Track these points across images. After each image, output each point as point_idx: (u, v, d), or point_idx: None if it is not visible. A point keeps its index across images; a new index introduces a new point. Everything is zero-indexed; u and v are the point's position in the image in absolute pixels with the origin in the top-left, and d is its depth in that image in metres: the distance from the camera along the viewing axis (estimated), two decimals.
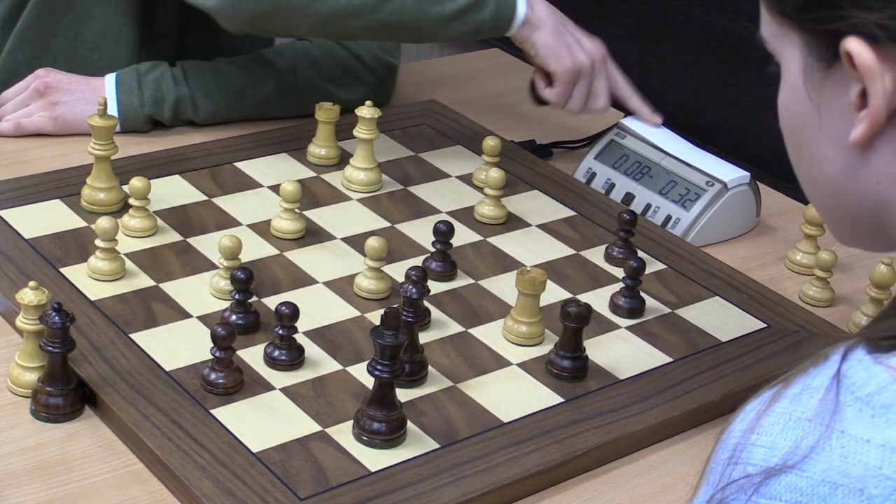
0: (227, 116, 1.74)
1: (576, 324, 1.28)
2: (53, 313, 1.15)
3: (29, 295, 1.17)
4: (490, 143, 1.63)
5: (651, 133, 1.70)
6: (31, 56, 1.74)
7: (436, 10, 1.61)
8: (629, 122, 1.72)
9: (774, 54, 0.90)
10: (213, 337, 1.19)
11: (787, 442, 0.74)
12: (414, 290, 1.24)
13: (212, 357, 1.21)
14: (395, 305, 1.21)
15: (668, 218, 1.62)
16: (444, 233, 1.42)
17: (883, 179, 0.84)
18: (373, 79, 1.82)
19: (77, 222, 1.46)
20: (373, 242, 1.37)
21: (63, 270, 1.36)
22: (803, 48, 0.85)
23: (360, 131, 1.59)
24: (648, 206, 1.64)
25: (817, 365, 0.77)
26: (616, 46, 2.06)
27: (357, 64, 1.81)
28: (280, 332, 1.25)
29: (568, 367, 1.29)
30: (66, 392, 1.18)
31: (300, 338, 1.28)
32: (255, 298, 1.32)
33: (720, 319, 1.42)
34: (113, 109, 1.64)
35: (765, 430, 0.75)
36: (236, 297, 1.28)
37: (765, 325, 1.42)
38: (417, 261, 1.45)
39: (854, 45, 0.79)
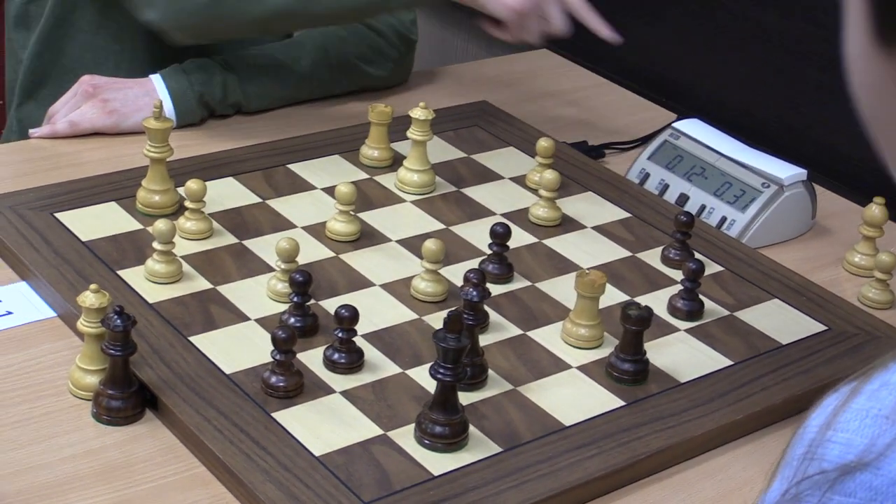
0: (271, 97, 1.79)
1: (637, 326, 1.27)
2: (115, 316, 1.15)
3: (90, 298, 1.17)
4: (543, 144, 1.62)
5: (705, 134, 1.69)
6: (57, 54, 1.77)
7: None
8: (682, 125, 1.71)
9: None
10: (274, 340, 1.19)
11: (863, 439, 0.73)
12: (475, 293, 1.24)
13: (272, 360, 1.20)
14: (457, 308, 1.20)
15: (724, 219, 1.61)
16: (501, 235, 1.42)
17: None
18: (396, 54, 1.88)
19: (133, 225, 1.46)
20: (430, 245, 1.36)
21: (120, 273, 1.36)
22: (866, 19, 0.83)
23: (413, 133, 1.59)
24: (703, 208, 1.63)
25: (883, 370, 0.75)
26: (670, 43, 2.07)
27: (380, 40, 1.87)
28: (340, 334, 1.25)
29: (629, 370, 1.28)
30: (127, 395, 1.18)
31: (359, 341, 1.27)
32: (312, 301, 1.32)
33: (779, 322, 1.41)
34: (166, 99, 1.66)
35: (841, 427, 0.74)
36: (294, 299, 1.28)
37: (825, 328, 1.41)
38: (473, 263, 1.44)
39: None
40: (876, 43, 0.81)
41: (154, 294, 1.33)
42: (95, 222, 1.45)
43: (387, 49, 1.87)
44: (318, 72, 1.81)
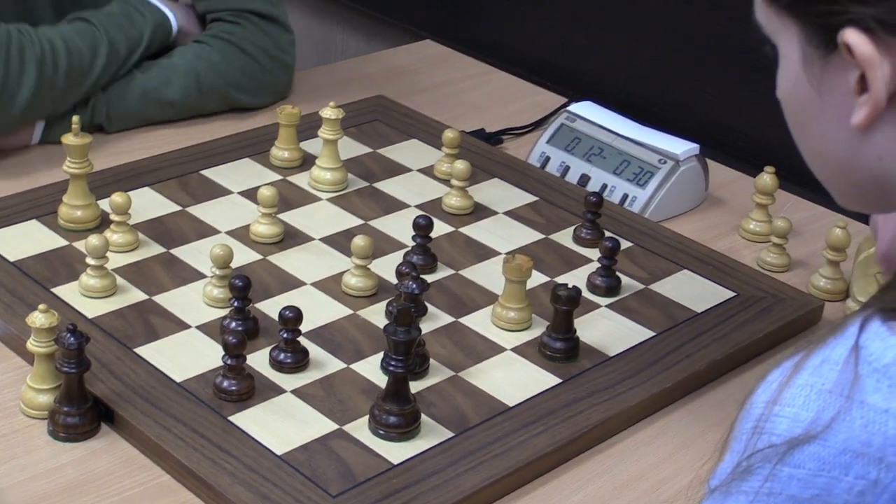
0: (136, 119, 1.77)
1: (567, 306, 1.32)
2: (69, 334, 1.16)
3: (40, 318, 1.18)
4: (449, 135, 1.66)
5: (600, 116, 1.74)
6: None
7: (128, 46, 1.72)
8: (577, 108, 1.76)
9: (770, 38, 0.92)
10: (225, 346, 1.21)
11: (809, 413, 0.76)
12: (415, 286, 1.27)
13: (223, 365, 1.22)
14: (404, 302, 1.23)
15: (625, 196, 1.66)
16: (423, 227, 1.45)
17: (885, 156, 0.87)
18: (271, 80, 1.85)
19: (58, 241, 1.45)
20: (359, 241, 1.39)
21: (54, 290, 1.36)
22: (801, 37, 0.88)
23: (324, 132, 1.61)
24: (604, 187, 1.67)
25: (836, 336, 0.79)
26: (555, 27, 2.10)
27: (255, 66, 1.82)
28: (285, 335, 1.27)
29: (561, 348, 1.33)
30: (84, 411, 1.19)
31: (301, 340, 1.29)
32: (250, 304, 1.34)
33: (692, 291, 1.47)
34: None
35: (787, 402, 0.78)
36: (235, 304, 1.29)
37: (734, 294, 1.46)
38: (396, 256, 1.47)
39: (852, 37, 0.82)
40: (808, 63, 0.88)
41: (92, 309, 1.34)
42: (20, 241, 1.44)
43: (261, 75, 1.84)
44: (188, 98, 1.79)
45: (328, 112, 1.60)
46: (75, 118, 1.46)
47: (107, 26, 1.69)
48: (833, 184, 0.96)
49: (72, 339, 1.16)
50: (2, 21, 1.64)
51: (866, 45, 0.82)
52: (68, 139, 1.45)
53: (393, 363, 1.18)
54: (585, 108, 1.76)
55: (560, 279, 1.46)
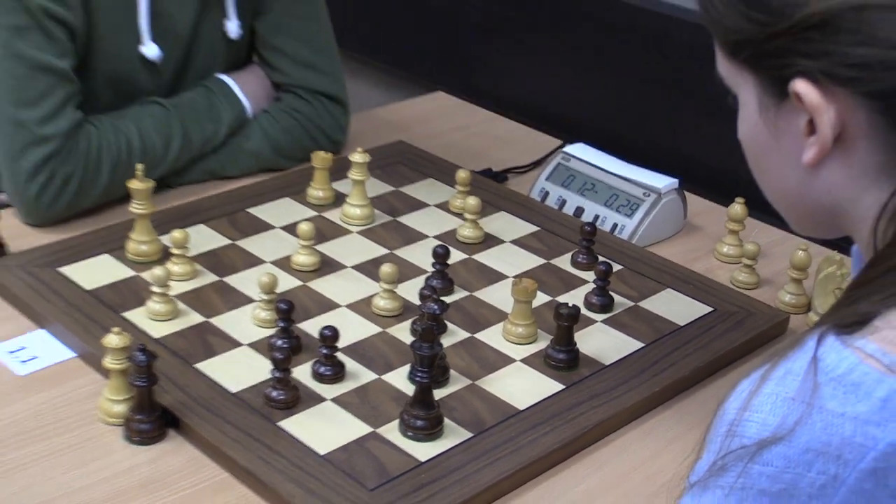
0: (193, 178, 1.72)
1: (568, 322, 1.33)
2: (139, 353, 1.17)
3: (114, 340, 1.19)
4: (462, 174, 1.67)
5: (591, 156, 1.75)
6: None
7: (202, 139, 1.67)
8: (571, 149, 1.77)
9: (731, 89, 0.94)
10: (274, 361, 1.22)
11: (775, 418, 0.77)
12: (436, 307, 1.28)
13: (272, 378, 1.23)
14: (427, 321, 1.24)
15: (615, 225, 1.67)
16: (442, 255, 1.46)
17: (833, 189, 0.89)
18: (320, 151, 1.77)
19: (126, 272, 1.46)
20: (386, 268, 1.40)
21: (125, 315, 1.37)
22: (757, 87, 0.90)
23: (353, 174, 1.62)
24: (597, 217, 1.68)
25: (796, 349, 0.80)
26: (550, 80, 2.11)
27: (314, 144, 1.76)
28: (324, 351, 1.28)
29: (564, 358, 1.34)
30: (153, 418, 1.20)
31: (339, 355, 1.30)
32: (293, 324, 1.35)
33: (675, 307, 1.47)
34: None
35: (756, 409, 0.78)
36: (280, 324, 1.31)
37: (711, 309, 1.47)
38: (418, 280, 1.48)
39: (801, 87, 0.84)
40: (763, 108, 0.89)
41: (157, 330, 1.35)
42: (94, 273, 1.45)
43: (314, 149, 1.72)
44: (245, 173, 1.75)
45: (356, 157, 1.62)
46: (139, 165, 1.47)
47: (185, 118, 1.65)
48: (789, 214, 0.98)
49: (142, 357, 1.17)
50: (98, 91, 1.62)
51: (814, 94, 0.84)
52: (134, 184, 1.46)
53: (419, 374, 1.19)
54: (578, 149, 1.77)
55: (561, 299, 1.47)
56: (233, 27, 1.70)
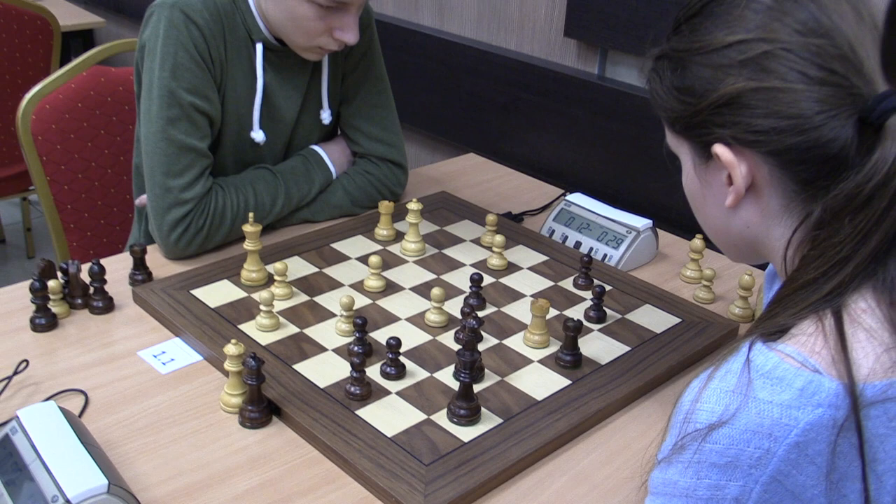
0: (290, 223, 1.65)
1: (573, 332, 1.27)
2: (251, 360, 1.12)
3: (232, 349, 1.15)
4: (490, 217, 1.62)
5: (587, 202, 1.69)
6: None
7: (299, 196, 1.61)
8: (571, 197, 1.72)
9: (676, 153, 0.93)
10: (352, 364, 1.17)
11: (720, 406, 0.76)
12: (475, 322, 1.22)
13: (350, 376, 1.18)
14: (469, 334, 1.19)
15: (605, 255, 1.61)
16: (477, 280, 1.40)
17: (750, 225, 0.88)
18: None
19: (241, 294, 1.42)
20: (436, 290, 1.35)
21: (240, 327, 1.33)
22: (691, 151, 0.90)
23: (410, 218, 1.57)
24: (591, 249, 1.63)
25: (734, 354, 0.79)
26: (555, 144, 2.06)
27: (379, 196, 1.70)
28: (390, 355, 1.23)
29: (570, 360, 1.28)
30: (261, 409, 1.15)
31: (401, 358, 1.25)
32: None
33: (652, 319, 1.42)
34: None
35: (705, 400, 0.77)
36: (357, 335, 1.25)
37: (680, 320, 1.41)
38: (459, 299, 1.43)
39: (719, 149, 0.84)
40: (696, 166, 0.88)
41: (264, 339, 1.30)
42: (217, 294, 1.41)
43: (380, 200, 1.68)
44: (329, 219, 1.67)
45: (412, 205, 1.56)
46: (251, 214, 1.43)
47: (287, 181, 1.59)
48: (721, 244, 0.96)
49: (253, 362, 1.12)
50: (225, 160, 1.58)
51: (728, 154, 0.84)
52: (247, 228, 1.42)
53: (462, 375, 1.14)
54: (577, 197, 1.72)
55: (567, 313, 1.41)
56: (326, 116, 1.66)
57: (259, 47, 1.52)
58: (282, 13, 1.45)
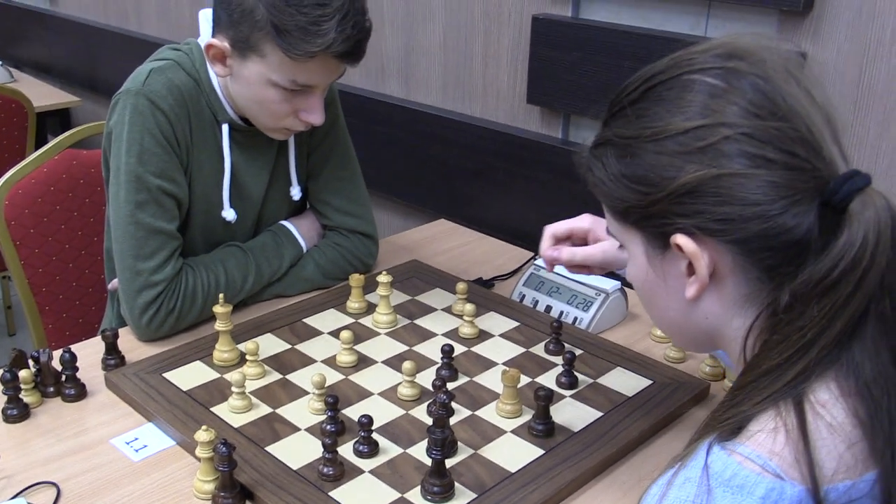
0: (263, 298, 1.63)
1: (545, 402, 1.26)
2: (222, 446, 1.11)
3: (203, 435, 1.13)
4: (460, 285, 1.61)
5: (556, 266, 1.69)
6: None
7: (270, 272, 1.60)
8: (540, 261, 1.71)
9: (620, 242, 0.89)
10: (324, 445, 1.16)
11: None
12: (445, 397, 1.21)
13: (323, 457, 1.17)
14: (439, 410, 1.17)
15: (576, 318, 1.61)
16: (448, 352, 1.39)
17: (710, 315, 0.85)
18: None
19: (213, 375, 1.40)
20: (407, 364, 1.33)
21: (213, 409, 1.31)
22: (644, 241, 0.85)
23: (381, 290, 1.56)
24: (561, 312, 1.63)
25: (692, 457, 0.75)
26: (522, 208, 2.06)
27: (350, 268, 1.69)
28: (362, 433, 1.21)
29: (542, 429, 1.27)
30: (234, 495, 1.13)
31: (374, 434, 1.23)
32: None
33: (624, 382, 1.41)
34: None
35: None
36: (329, 413, 1.24)
37: (651, 382, 1.40)
38: (431, 371, 1.41)
39: (680, 240, 0.80)
40: (651, 257, 0.84)
41: (237, 421, 1.28)
42: (189, 376, 1.39)
43: (351, 272, 1.68)
44: (300, 293, 1.66)
45: (382, 278, 1.56)
46: (221, 295, 1.42)
47: (258, 257, 1.58)
48: (674, 336, 0.93)
49: (224, 448, 1.11)
50: (195, 240, 1.57)
51: (691, 245, 0.80)
52: (217, 309, 1.40)
53: (434, 452, 1.12)
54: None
55: (539, 380, 1.40)
56: (296, 192, 1.66)
57: (225, 128, 1.53)
58: (248, 96, 1.45)
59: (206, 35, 1.49)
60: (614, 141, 0.83)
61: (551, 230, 1.26)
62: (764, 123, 0.76)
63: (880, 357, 0.74)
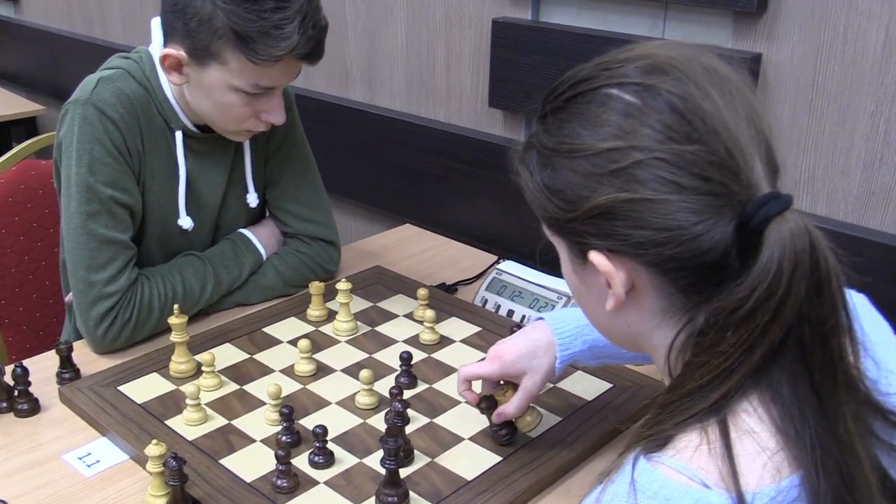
0: (223, 308, 1.62)
1: (488, 413, 1.24)
2: (172, 460, 1.09)
3: (153, 449, 1.11)
4: (422, 291, 1.60)
5: (518, 269, 1.68)
6: None
7: (230, 281, 1.58)
8: (503, 265, 1.71)
9: (552, 242, 0.88)
10: (277, 456, 1.14)
11: None
12: (399, 406, 1.20)
13: (276, 469, 1.15)
14: (393, 419, 1.16)
15: None
16: (406, 359, 1.38)
17: (632, 325, 0.84)
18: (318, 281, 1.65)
19: (169, 387, 1.38)
20: (364, 373, 1.32)
21: (167, 422, 1.29)
22: (567, 250, 0.85)
23: (340, 297, 1.54)
24: (524, 317, 1.61)
25: (619, 472, 0.74)
26: (487, 212, 2.05)
27: (312, 275, 1.66)
28: (317, 444, 1.20)
29: (505, 434, 1.25)
30: None
31: (329, 444, 1.22)
32: (295, 422, 1.26)
33: (583, 386, 1.40)
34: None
35: None
36: (284, 424, 1.23)
37: (611, 385, 1.40)
38: (391, 378, 1.40)
39: (595, 258, 0.79)
40: (574, 265, 0.83)
41: (191, 433, 1.26)
42: (145, 389, 1.37)
43: (313, 279, 1.64)
44: (261, 301, 1.64)
45: (341, 285, 1.54)
46: (176, 305, 1.40)
47: (216, 265, 1.56)
48: (604, 335, 0.92)
49: (174, 462, 1.09)
50: (151, 250, 1.55)
51: (606, 263, 0.79)
52: (173, 320, 1.39)
53: (387, 462, 1.11)
54: (509, 265, 1.70)
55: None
56: (253, 199, 1.64)
57: (179, 135, 1.51)
58: (208, 102, 1.44)
59: (158, 42, 1.47)
60: (538, 148, 0.82)
61: (464, 374, 1.23)
62: (678, 147, 0.73)
63: (799, 379, 0.73)
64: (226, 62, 1.36)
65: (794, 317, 0.71)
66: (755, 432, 0.73)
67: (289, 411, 1.21)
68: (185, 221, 1.55)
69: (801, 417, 0.72)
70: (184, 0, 1.34)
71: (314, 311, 1.59)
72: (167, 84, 1.48)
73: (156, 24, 1.47)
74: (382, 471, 1.15)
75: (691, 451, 0.72)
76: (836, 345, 0.73)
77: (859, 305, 0.91)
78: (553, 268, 1.81)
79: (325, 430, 1.19)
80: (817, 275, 0.71)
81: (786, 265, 0.70)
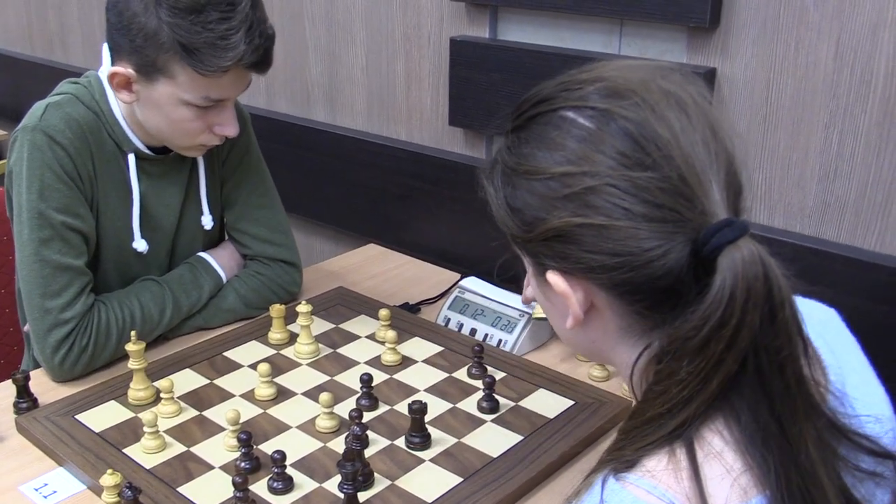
0: (183, 332, 1.60)
1: (418, 415, 1.26)
2: (127, 490, 1.08)
3: (108, 479, 1.11)
4: (383, 312, 1.60)
5: (480, 286, 1.69)
6: None
7: (189, 304, 1.58)
8: (465, 282, 1.71)
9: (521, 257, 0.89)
10: (234, 484, 1.13)
11: None
12: (358, 429, 1.20)
13: (234, 496, 1.14)
14: (351, 443, 1.16)
15: (500, 341, 1.60)
16: (367, 381, 1.38)
17: (595, 341, 0.85)
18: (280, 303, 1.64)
19: (128, 414, 1.37)
20: (324, 396, 1.32)
21: (125, 451, 1.28)
22: (530, 265, 0.85)
23: (301, 320, 1.54)
24: (486, 335, 1.62)
25: (588, 492, 0.74)
26: (450, 230, 2.05)
27: (275, 297, 1.66)
28: (276, 470, 1.19)
29: (418, 441, 1.27)
30: None
31: (288, 469, 1.21)
32: (254, 447, 1.26)
33: (546, 404, 1.40)
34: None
35: None
36: (243, 450, 1.22)
37: (573, 402, 1.40)
38: (351, 400, 1.40)
39: (552, 278, 0.80)
40: (538, 281, 0.85)
41: (149, 461, 1.25)
42: (102, 416, 1.36)
43: (275, 301, 1.64)
44: (223, 324, 1.63)
45: (301, 308, 1.54)
46: (133, 332, 1.39)
47: (175, 289, 1.55)
48: (572, 347, 0.93)
49: (129, 492, 1.09)
50: (107, 275, 1.54)
51: (562, 284, 0.80)
52: (130, 346, 1.38)
53: (345, 487, 1.11)
54: (471, 282, 1.71)
55: (458, 405, 1.39)
56: (207, 221, 1.63)
57: (131, 158, 1.50)
58: (160, 119, 1.43)
59: (108, 66, 1.46)
60: (502, 166, 0.83)
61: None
62: (631, 174, 0.74)
63: (760, 407, 0.73)
64: (174, 76, 1.36)
65: (748, 345, 0.71)
66: (721, 454, 0.73)
67: (247, 437, 1.21)
68: (140, 244, 1.54)
69: (763, 445, 0.73)
70: (128, 17, 1.34)
71: (275, 335, 1.59)
72: (118, 107, 1.47)
73: (106, 49, 1.47)
74: (342, 495, 1.15)
75: (660, 471, 0.72)
76: (793, 373, 0.73)
77: (827, 321, 0.92)
78: (515, 284, 1.83)
79: (283, 455, 1.18)
80: (770, 303, 0.71)
81: (738, 293, 0.70)
